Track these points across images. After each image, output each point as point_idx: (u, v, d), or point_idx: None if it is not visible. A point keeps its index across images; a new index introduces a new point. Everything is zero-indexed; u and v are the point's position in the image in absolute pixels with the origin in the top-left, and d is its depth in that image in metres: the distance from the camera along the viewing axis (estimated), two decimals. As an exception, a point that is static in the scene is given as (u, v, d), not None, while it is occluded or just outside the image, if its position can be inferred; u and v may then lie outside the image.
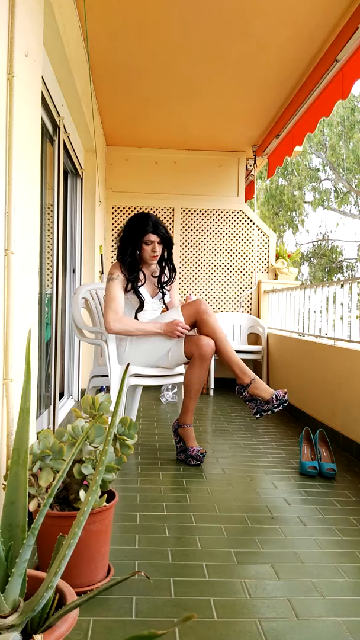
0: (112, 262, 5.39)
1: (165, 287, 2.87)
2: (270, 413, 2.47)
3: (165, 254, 2.83)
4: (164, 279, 2.87)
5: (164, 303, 2.90)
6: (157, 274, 2.86)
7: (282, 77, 3.80)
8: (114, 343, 2.76)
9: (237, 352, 2.70)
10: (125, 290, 2.74)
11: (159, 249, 2.75)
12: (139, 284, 2.76)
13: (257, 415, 2.51)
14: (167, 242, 2.79)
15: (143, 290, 2.79)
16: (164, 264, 2.86)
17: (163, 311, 2.92)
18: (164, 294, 2.87)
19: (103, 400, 1.52)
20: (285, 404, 2.47)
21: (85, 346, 4.29)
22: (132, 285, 2.73)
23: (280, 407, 2.46)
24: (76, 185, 4.28)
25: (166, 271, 2.88)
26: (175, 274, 2.92)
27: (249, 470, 2.56)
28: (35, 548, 1.52)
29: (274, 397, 2.47)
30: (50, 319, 3.19)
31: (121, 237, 2.82)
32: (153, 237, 2.72)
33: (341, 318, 3.34)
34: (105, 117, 4.62)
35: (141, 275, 2.78)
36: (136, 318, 2.76)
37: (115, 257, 2.89)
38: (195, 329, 2.74)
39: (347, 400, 2.99)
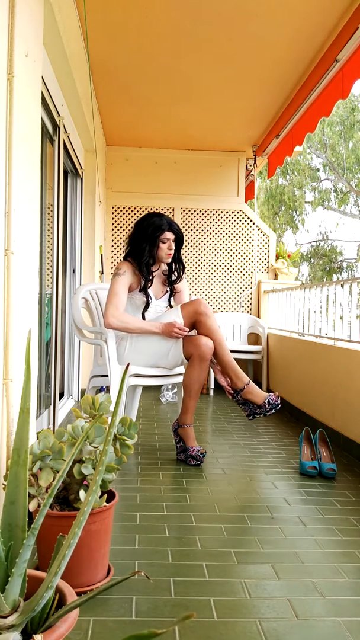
0: (112, 262, 5.40)
1: (175, 284, 2.88)
2: (262, 416, 2.54)
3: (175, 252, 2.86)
4: (173, 277, 2.88)
5: (169, 303, 2.91)
6: (167, 272, 2.87)
7: (282, 77, 3.80)
8: (114, 343, 2.76)
9: (238, 352, 2.71)
10: (133, 289, 2.74)
11: (174, 247, 2.77)
12: (149, 285, 2.77)
13: (250, 417, 2.57)
14: (180, 240, 2.81)
15: (149, 291, 2.79)
16: (172, 262, 2.86)
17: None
18: (171, 295, 2.87)
19: (103, 400, 1.52)
20: (278, 407, 2.53)
21: (85, 346, 4.29)
22: (143, 285, 2.74)
23: (273, 411, 2.52)
24: (76, 185, 4.28)
25: (174, 269, 2.88)
26: (184, 271, 2.92)
27: (249, 470, 2.56)
28: (35, 548, 1.52)
29: (266, 401, 2.52)
30: (50, 319, 3.19)
31: (134, 238, 2.78)
32: (169, 235, 2.73)
33: (341, 318, 3.34)
34: (105, 117, 4.62)
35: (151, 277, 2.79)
36: (143, 316, 2.77)
37: (121, 257, 2.90)
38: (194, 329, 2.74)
39: (347, 400, 2.99)
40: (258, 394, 2.56)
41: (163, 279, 2.88)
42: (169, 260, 2.79)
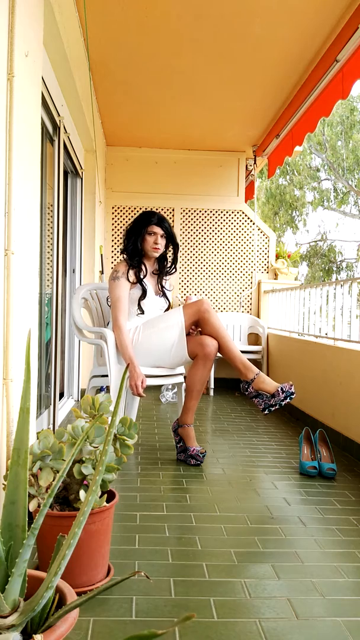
0: (112, 262, 5.40)
1: (166, 277, 2.91)
2: (278, 407, 2.41)
3: (171, 253, 2.88)
4: (164, 282, 2.91)
5: (167, 300, 2.92)
6: (157, 271, 2.90)
7: (282, 77, 3.80)
8: (114, 343, 2.76)
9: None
10: (132, 282, 2.75)
11: (161, 242, 2.80)
12: (142, 275, 2.79)
13: (265, 411, 2.44)
14: (171, 238, 2.84)
15: (147, 282, 2.83)
16: (165, 263, 2.90)
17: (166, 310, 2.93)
18: (164, 293, 2.88)
19: (103, 400, 1.52)
20: (293, 396, 2.41)
21: (85, 346, 4.29)
22: (136, 275, 2.76)
23: (288, 400, 2.39)
24: (76, 185, 4.28)
25: (165, 265, 2.92)
26: (175, 269, 2.94)
27: (249, 470, 2.56)
28: (35, 548, 1.52)
29: (279, 389, 2.42)
30: (50, 319, 3.19)
31: (127, 230, 2.88)
32: (156, 229, 2.79)
33: (341, 316, 3.33)
34: (105, 117, 4.62)
35: (143, 267, 2.81)
36: (140, 307, 2.78)
37: (121, 257, 2.94)
38: (199, 329, 2.75)
39: (347, 400, 2.99)
40: (270, 383, 2.47)
41: (157, 278, 2.91)
42: (156, 254, 2.82)
